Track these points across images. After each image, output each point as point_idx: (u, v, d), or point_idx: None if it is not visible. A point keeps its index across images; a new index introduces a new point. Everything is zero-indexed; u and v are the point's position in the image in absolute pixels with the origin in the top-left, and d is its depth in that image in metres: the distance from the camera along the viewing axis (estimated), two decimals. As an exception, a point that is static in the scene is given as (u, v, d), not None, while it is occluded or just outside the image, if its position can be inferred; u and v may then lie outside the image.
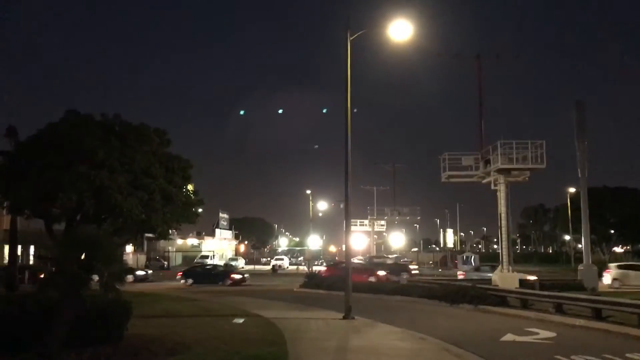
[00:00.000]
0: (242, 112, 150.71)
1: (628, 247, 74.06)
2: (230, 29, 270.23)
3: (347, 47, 17.85)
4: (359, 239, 63.32)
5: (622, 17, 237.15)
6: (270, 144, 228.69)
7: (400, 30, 17.61)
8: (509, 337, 13.97)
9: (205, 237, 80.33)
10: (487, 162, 28.93)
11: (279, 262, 64.83)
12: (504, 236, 28.42)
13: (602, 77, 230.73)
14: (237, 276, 36.14)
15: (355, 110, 17.90)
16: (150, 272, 43.73)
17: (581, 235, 33.17)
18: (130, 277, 32.67)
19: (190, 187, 22.70)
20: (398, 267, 43.55)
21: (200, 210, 24.07)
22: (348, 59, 17.87)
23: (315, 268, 50.40)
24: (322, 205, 67.26)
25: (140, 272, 40.41)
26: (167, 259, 67.77)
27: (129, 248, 60.24)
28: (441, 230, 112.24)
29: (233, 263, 65.89)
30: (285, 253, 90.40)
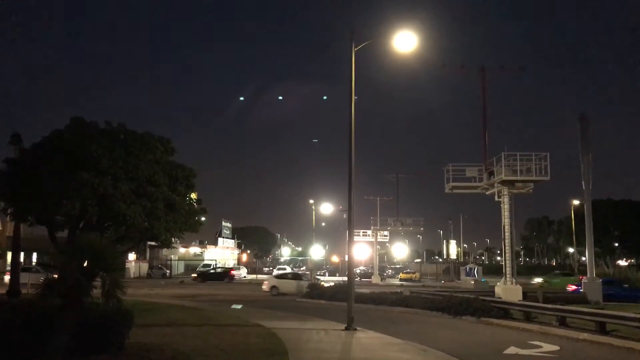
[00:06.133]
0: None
1: (632, 260, 73.68)
2: (229, 38, 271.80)
3: (352, 58, 17.90)
4: (362, 249, 63.08)
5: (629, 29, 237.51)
6: (274, 151, 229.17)
7: (405, 41, 17.64)
8: (512, 350, 13.86)
9: (208, 246, 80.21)
10: (490, 173, 28.93)
11: (281, 272, 64.56)
12: (508, 248, 28.33)
13: (608, 90, 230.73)
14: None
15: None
16: None
17: (585, 248, 32.97)
18: None
19: (193, 195, 22.66)
20: None
21: (203, 219, 23.96)
22: (352, 69, 17.92)
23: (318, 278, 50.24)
24: (326, 209, 66.05)
25: None
26: (170, 267, 67.72)
27: (132, 256, 60.31)
28: (444, 241, 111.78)
29: (235, 272, 65.89)
30: (287, 263, 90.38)
